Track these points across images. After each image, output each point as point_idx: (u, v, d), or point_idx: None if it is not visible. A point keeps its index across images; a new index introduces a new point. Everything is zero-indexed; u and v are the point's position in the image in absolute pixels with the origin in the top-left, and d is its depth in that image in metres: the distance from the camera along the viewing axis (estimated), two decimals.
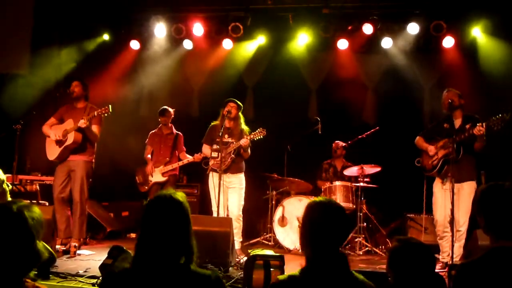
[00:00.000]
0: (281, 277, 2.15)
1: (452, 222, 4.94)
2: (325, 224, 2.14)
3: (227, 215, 5.85)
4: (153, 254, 1.97)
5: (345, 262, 2.10)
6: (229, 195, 5.96)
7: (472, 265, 2.18)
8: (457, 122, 5.27)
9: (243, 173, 6.07)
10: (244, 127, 6.08)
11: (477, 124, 4.85)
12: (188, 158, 6.49)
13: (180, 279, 1.98)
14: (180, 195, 2.10)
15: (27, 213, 1.87)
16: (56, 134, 5.72)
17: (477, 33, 7.40)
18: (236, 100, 6.07)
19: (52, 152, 5.76)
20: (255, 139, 5.85)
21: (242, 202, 6.00)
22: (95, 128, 5.73)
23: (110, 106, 5.56)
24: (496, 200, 2.20)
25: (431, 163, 5.39)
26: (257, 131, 5.84)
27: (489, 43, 7.36)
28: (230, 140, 5.95)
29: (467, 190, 5.11)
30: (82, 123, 5.49)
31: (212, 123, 6.19)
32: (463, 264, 2.25)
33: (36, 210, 1.93)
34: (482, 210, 2.24)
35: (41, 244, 1.90)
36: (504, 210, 2.16)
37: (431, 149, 5.38)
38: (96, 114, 5.58)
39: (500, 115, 4.69)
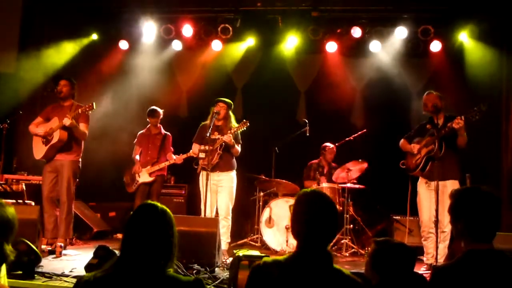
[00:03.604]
0: (266, 258, 2.11)
1: (436, 222, 4.98)
2: (316, 217, 2.10)
3: (216, 215, 5.84)
4: (136, 260, 1.98)
5: (330, 259, 2.07)
6: (218, 194, 5.92)
7: (447, 269, 2.20)
8: (439, 123, 5.30)
9: (233, 171, 6.02)
10: (235, 124, 6.04)
11: (456, 117, 4.94)
12: (171, 159, 6.43)
13: (157, 284, 1.97)
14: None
15: None
16: (43, 131, 5.69)
17: (464, 38, 7.51)
18: (226, 100, 6.06)
19: (39, 151, 5.70)
20: (239, 131, 5.87)
21: (232, 201, 5.93)
22: (82, 127, 5.67)
23: (94, 103, 5.53)
24: (473, 203, 2.20)
25: (415, 162, 5.44)
26: (240, 123, 5.87)
27: (476, 48, 7.46)
28: (218, 137, 5.92)
29: (450, 190, 5.10)
30: (66, 120, 5.45)
31: (202, 123, 6.17)
32: (438, 267, 2.26)
33: (9, 210, 1.83)
34: (459, 213, 2.25)
35: (8, 247, 1.81)
36: (481, 213, 2.17)
37: (415, 147, 5.44)
38: (80, 112, 5.53)
39: (477, 107, 4.82)
